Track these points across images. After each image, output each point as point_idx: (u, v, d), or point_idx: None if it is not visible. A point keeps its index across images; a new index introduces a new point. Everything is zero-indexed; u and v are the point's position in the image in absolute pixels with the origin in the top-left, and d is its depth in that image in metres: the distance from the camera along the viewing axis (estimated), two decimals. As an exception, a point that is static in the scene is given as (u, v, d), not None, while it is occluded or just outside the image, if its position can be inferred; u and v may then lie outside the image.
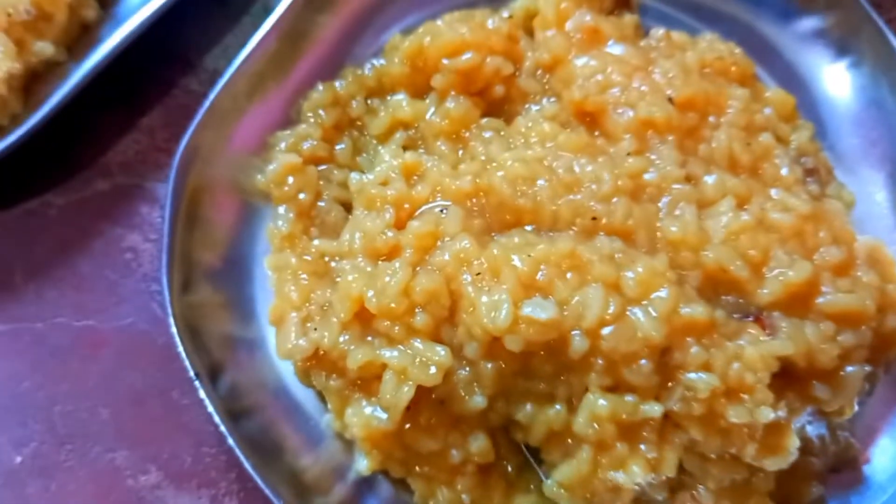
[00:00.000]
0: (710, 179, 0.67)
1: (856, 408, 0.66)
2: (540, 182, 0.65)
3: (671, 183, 0.65)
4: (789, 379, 0.61)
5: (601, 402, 0.59)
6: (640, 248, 0.63)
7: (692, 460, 0.62)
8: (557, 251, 0.61)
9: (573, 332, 0.59)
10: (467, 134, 0.74)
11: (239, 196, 0.75)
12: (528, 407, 0.63)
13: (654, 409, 0.59)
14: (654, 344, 0.59)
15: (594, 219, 0.63)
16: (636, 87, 0.71)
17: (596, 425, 0.60)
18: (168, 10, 0.78)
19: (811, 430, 0.67)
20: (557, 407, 0.62)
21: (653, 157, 0.67)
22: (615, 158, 0.67)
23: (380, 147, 0.77)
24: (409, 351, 0.62)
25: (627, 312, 0.60)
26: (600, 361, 0.59)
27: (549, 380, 0.62)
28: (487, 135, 0.73)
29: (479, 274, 0.61)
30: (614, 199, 0.64)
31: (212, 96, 0.73)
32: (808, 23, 0.82)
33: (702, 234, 0.63)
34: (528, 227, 0.65)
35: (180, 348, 0.67)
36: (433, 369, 0.61)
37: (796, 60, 0.82)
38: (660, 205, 0.65)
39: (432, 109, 0.76)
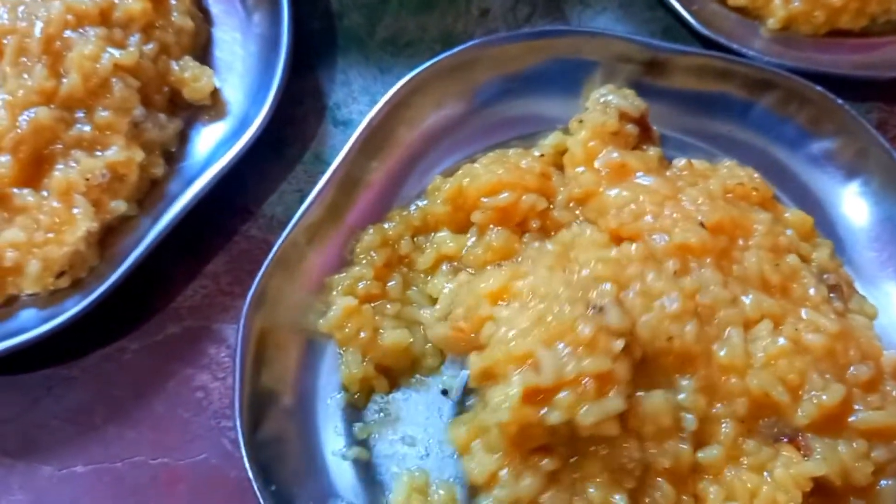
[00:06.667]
0: (747, 300, 0.71)
1: (895, 518, 0.68)
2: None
3: (720, 304, 0.70)
4: (827, 495, 0.65)
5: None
6: (699, 370, 0.68)
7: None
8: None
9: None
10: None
11: (302, 335, 0.80)
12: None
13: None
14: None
15: (670, 339, 0.68)
16: (668, 215, 0.76)
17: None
18: (231, 166, 0.84)
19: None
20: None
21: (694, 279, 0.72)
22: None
23: (431, 278, 0.83)
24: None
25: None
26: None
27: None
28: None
29: None
30: (686, 322, 0.69)
31: (276, 247, 0.79)
32: (820, 146, 0.87)
33: (747, 359, 0.67)
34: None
35: (255, 486, 0.72)
36: None
37: (811, 182, 0.87)
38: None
39: (472, 240, 0.81)
